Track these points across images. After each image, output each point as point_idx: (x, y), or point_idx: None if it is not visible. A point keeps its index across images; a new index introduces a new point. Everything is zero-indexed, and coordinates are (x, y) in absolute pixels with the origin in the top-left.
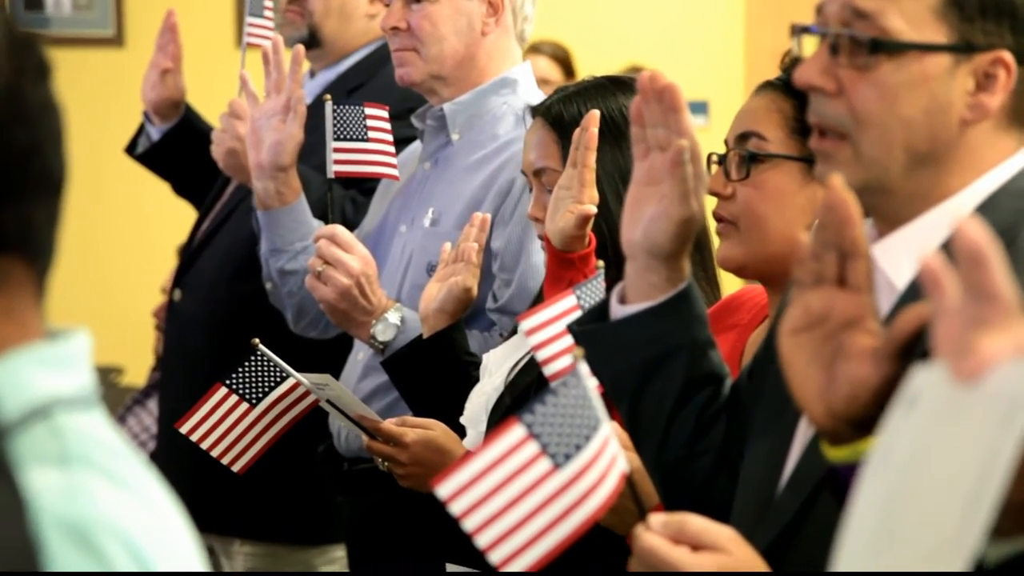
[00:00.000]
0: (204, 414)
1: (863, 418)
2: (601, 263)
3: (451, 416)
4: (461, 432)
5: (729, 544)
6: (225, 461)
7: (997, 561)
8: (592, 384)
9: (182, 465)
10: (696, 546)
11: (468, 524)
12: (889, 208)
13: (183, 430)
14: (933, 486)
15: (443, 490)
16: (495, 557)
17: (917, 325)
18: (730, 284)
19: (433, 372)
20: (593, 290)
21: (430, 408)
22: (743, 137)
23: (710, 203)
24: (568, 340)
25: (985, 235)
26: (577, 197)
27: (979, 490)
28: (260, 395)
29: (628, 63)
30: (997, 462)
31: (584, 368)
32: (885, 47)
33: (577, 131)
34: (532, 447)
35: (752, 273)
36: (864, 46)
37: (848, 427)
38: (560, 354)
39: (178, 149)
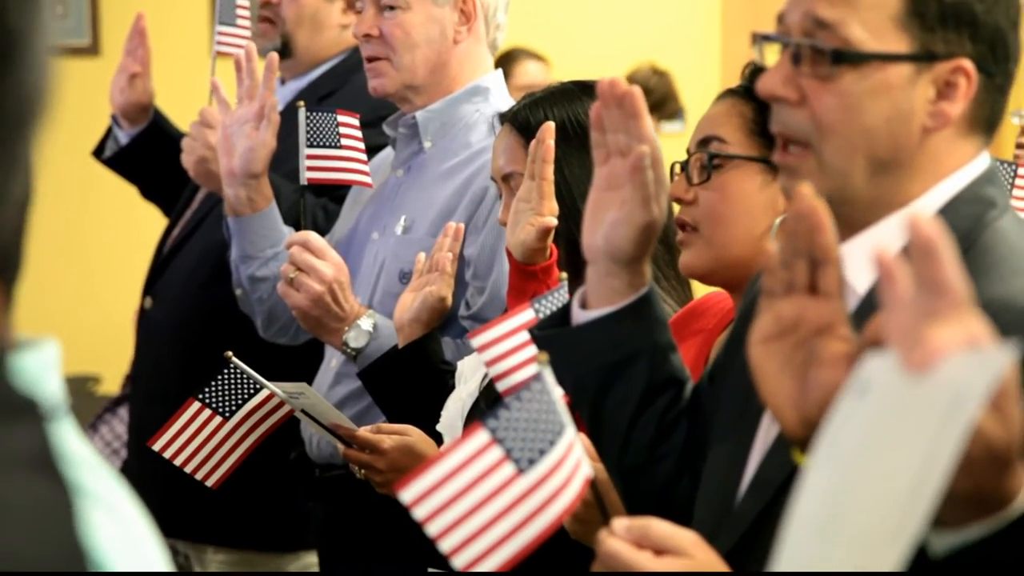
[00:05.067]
0: (177, 430)
1: None
2: (564, 275)
3: (428, 424)
4: (438, 439)
5: (692, 548)
6: (199, 477)
7: (945, 552)
8: (557, 389)
9: (154, 473)
10: (659, 550)
11: (432, 528)
12: (851, 215)
13: (156, 447)
14: (879, 474)
15: (407, 494)
16: (459, 561)
17: None
18: (699, 285)
19: (409, 381)
20: (554, 302)
21: (407, 417)
22: (704, 142)
23: (675, 207)
24: (524, 355)
25: (938, 229)
26: (537, 209)
27: (922, 480)
28: (234, 408)
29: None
30: (941, 452)
31: (548, 373)
32: (848, 58)
33: (533, 143)
34: (496, 452)
35: (716, 279)
36: (826, 56)
37: None
38: (515, 368)
39: (147, 153)
